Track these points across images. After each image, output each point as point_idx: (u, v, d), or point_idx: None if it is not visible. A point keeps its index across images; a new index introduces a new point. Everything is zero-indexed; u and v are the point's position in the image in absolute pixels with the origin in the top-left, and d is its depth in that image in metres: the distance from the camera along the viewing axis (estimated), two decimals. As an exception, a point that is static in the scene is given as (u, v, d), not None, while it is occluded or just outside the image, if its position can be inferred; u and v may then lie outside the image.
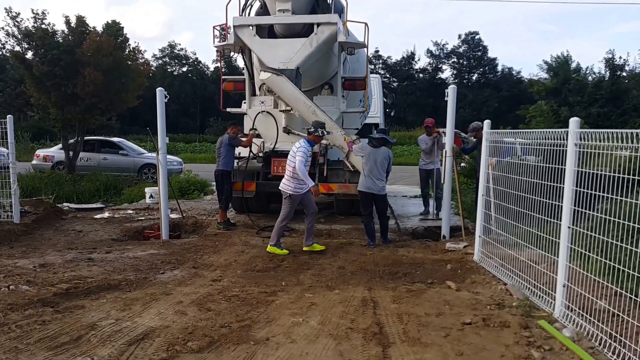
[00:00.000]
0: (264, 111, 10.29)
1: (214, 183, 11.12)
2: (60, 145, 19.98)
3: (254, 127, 10.59)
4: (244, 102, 10.77)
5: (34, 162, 21.18)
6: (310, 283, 6.94)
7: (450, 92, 9.11)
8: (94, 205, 13.77)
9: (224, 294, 6.36)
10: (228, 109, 11.34)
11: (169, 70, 68.00)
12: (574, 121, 5.34)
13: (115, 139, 22.50)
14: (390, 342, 4.90)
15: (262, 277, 7.21)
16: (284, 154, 10.46)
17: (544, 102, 18.06)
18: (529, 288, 6.17)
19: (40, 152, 21.74)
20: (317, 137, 8.73)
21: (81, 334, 5.02)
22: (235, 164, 10.58)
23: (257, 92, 10.61)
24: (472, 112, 56.16)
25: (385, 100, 15.64)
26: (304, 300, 6.13)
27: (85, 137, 20.24)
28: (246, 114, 10.83)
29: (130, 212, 12.77)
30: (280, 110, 10.13)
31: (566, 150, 5.38)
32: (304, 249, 8.73)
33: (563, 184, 5.41)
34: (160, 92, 9.68)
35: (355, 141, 9.59)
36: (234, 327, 5.27)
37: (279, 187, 8.82)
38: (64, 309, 5.67)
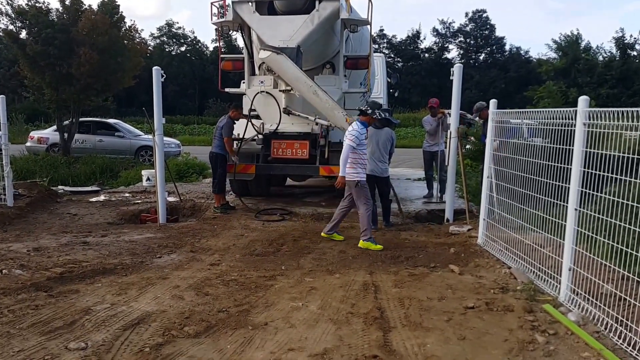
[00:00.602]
0: (264, 91, 10.22)
1: None
2: (55, 127, 19.92)
3: (253, 108, 10.54)
4: (243, 82, 10.69)
5: (28, 144, 21.16)
6: (311, 267, 6.95)
7: (456, 71, 9.04)
8: (89, 188, 13.77)
9: (222, 278, 6.37)
10: (226, 89, 11.26)
11: (166, 49, 67.85)
12: (582, 100, 5.30)
13: (111, 121, 22.45)
14: (391, 327, 4.91)
15: (261, 262, 7.22)
16: (285, 136, 10.44)
17: (553, 82, 17.93)
18: (534, 272, 6.17)
19: (35, 134, 21.70)
20: (373, 119, 8.35)
21: (75, 318, 5.03)
22: (235, 146, 10.54)
23: (257, 71, 10.55)
24: (479, 93, 55.99)
25: (389, 80, 15.55)
26: (304, 285, 6.14)
27: (81, 119, 20.19)
28: (245, 94, 10.76)
29: (127, 195, 12.78)
30: (280, 90, 10.06)
31: (574, 130, 5.35)
32: (322, 234, 8.57)
33: (571, 165, 5.39)
34: (156, 71, 9.62)
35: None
36: (232, 311, 5.28)
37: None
38: (58, 294, 5.68)
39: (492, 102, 7.78)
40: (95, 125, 21.46)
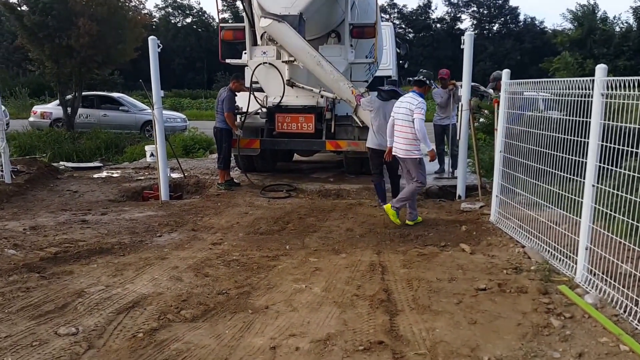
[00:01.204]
0: (266, 62, 9.94)
1: None
2: (58, 102, 19.74)
3: (255, 81, 10.28)
4: (245, 53, 10.40)
5: (31, 119, 20.99)
6: (316, 247, 6.77)
7: (467, 40, 8.74)
8: (91, 164, 13.63)
9: (223, 258, 6.21)
10: (227, 61, 10.98)
11: (172, 21, 67.21)
12: (600, 68, 5.04)
13: (115, 95, 22.23)
14: (399, 310, 4.73)
15: (265, 241, 7.05)
16: (289, 110, 10.20)
17: (569, 53, 17.52)
18: (549, 251, 5.97)
19: (38, 109, 21.48)
20: (429, 89, 8.07)
21: (67, 301, 4.89)
22: (238, 120, 10.31)
23: (259, 41, 10.25)
24: (493, 64, 55.21)
25: (399, 51, 15.17)
26: (308, 265, 5.96)
27: (84, 93, 20.03)
28: (247, 65, 10.48)
29: (130, 171, 12.62)
30: (283, 62, 9.77)
31: (591, 101, 5.10)
32: (385, 207, 7.97)
33: (588, 139, 5.15)
34: (152, 41, 9.38)
35: (364, 94, 9.26)
36: (232, 294, 5.12)
37: (395, 154, 7.92)
38: (51, 275, 5.53)
39: (505, 72, 7.50)
40: (99, 100, 21.30)
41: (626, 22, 44.77)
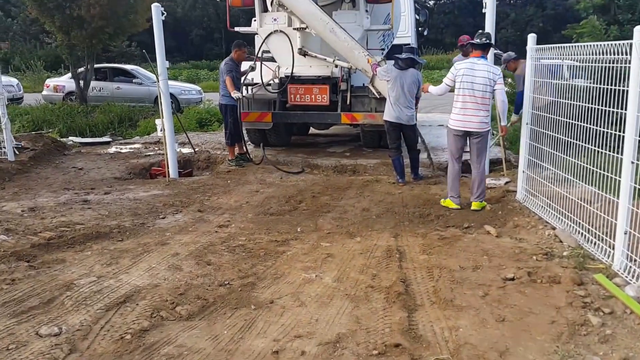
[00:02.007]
0: (277, 30, 9.35)
1: None
2: (70, 74, 19.38)
3: (267, 49, 9.70)
4: (254, 20, 9.80)
5: (44, 92, 20.72)
6: (329, 229, 6.29)
7: (489, 3, 8.10)
8: (100, 140, 13.21)
9: (228, 243, 5.76)
10: (236, 28, 10.38)
11: (189, -9, 66.23)
12: (639, 30, 4.44)
13: (128, 67, 21.77)
14: (418, 305, 4.26)
15: (275, 222, 6.58)
16: (302, 80, 9.64)
17: (595, 16, 16.57)
18: (582, 233, 5.43)
19: (50, 82, 21.13)
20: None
21: (54, 295, 4.47)
22: (247, 91, 9.76)
23: (269, 7, 9.66)
24: (515, 32, 53.87)
25: (417, 17, 14.46)
26: (320, 251, 5.49)
27: (97, 65, 19.66)
28: (257, 33, 9.89)
29: (139, 146, 12.18)
30: (294, 29, 9.18)
31: (629, 67, 4.52)
32: (473, 207, 6.95)
33: (625, 110, 4.59)
34: (156, 7, 8.82)
35: (380, 63, 8.67)
36: (235, 285, 4.67)
37: (465, 128, 6.89)
38: (41, 264, 5.11)
39: (531, 37, 6.87)
40: (112, 72, 20.91)
41: (653, -14, 43.23)
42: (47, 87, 20.84)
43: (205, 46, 60.88)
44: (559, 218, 5.87)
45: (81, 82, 18.46)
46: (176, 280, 4.76)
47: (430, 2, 64.97)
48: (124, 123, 16.75)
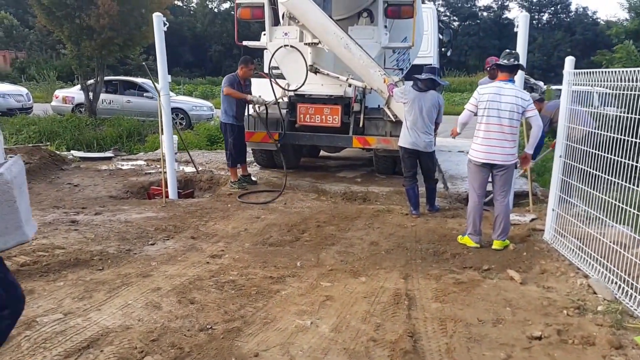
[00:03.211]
0: (287, 45, 8.84)
1: None
2: (80, 86, 19.13)
3: (275, 66, 9.19)
4: (264, 34, 9.29)
5: (53, 103, 20.55)
6: (332, 264, 5.72)
7: (521, 21, 7.50)
8: (101, 155, 12.78)
9: (217, 278, 5.21)
10: (245, 43, 9.89)
11: (209, 6, 66.64)
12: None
13: (139, 80, 21.47)
14: (427, 367, 3.67)
15: (273, 254, 6.02)
16: (313, 100, 9.12)
17: (630, 42, 15.98)
18: (618, 284, 4.82)
19: (59, 93, 20.86)
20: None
21: (12, 335, 3.92)
22: (254, 110, 9.25)
23: (281, 21, 9.18)
24: (542, 57, 53.40)
25: (441, 37, 13.97)
26: (318, 292, 4.92)
27: (107, 78, 19.42)
28: (266, 48, 9.39)
29: (141, 163, 11.72)
30: (306, 44, 8.67)
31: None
32: (494, 246, 6.34)
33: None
34: (157, 18, 8.35)
35: (398, 83, 8.12)
36: (217, 331, 4.11)
37: (489, 161, 6.23)
38: (3, 296, 4.59)
39: (569, 60, 6.29)
40: (122, 85, 20.63)
41: (687, 11, 42.54)
42: (56, 98, 20.62)
43: (224, 62, 61.04)
44: (592, 264, 5.27)
45: (90, 94, 18.16)
46: (151, 322, 4.22)
47: (454, 24, 64.71)
48: (133, 138, 16.44)
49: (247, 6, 9.21)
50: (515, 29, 9.66)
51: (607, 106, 5.74)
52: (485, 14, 66.77)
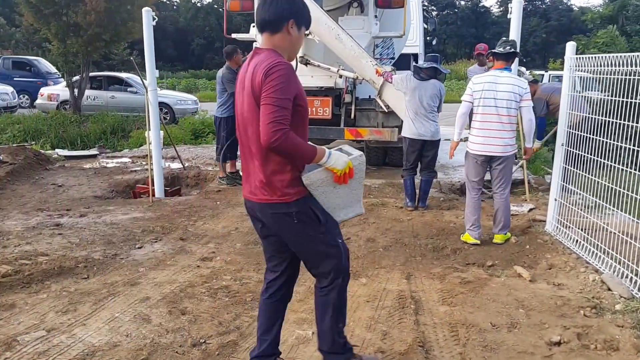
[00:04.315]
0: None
1: None
2: (65, 83, 18.54)
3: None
4: (253, 26, 8.82)
5: (38, 101, 19.88)
6: (329, 264, 5.30)
7: (515, 7, 7.12)
8: (86, 153, 12.23)
9: (210, 283, 4.79)
10: (233, 35, 9.39)
11: (192, 1, 65.70)
12: None
13: (123, 75, 20.86)
14: (442, 381, 3.28)
15: (266, 254, 5.60)
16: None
17: (614, 27, 15.65)
18: (632, 279, 4.47)
19: (45, 91, 20.18)
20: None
21: (-10, 358, 3.50)
22: None
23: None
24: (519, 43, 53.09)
25: (426, 26, 13.53)
26: (318, 297, 4.50)
27: (92, 74, 18.84)
28: (255, 40, 8.91)
29: (127, 160, 11.21)
30: None
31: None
32: (495, 240, 5.98)
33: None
34: (146, 12, 7.91)
35: (392, 72, 7.69)
36: (212, 346, 3.70)
37: (486, 152, 5.84)
38: (-18, 312, 4.15)
39: (570, 45, 5.89)
40: (107, 81, 20.01)
41: (661, -4, 42.50)
42: (42, 95, 19.94)
43: (206, 55, 60.34)
44: (602, 258, 4.91)
45: (75, 91, 17.59)
46: (140, 338, 3.79)
47: (432, 13, 64.40)
48: (117, 134, 15.95)
49: None
50: (508, 16, 9.60)
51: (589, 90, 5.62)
52: (462, 2, 66.46)
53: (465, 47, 59.03)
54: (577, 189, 5.54)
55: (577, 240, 5.40)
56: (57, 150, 12.55)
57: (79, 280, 4.89)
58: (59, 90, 19.66)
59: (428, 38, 13.76)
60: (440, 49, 53.67)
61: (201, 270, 5.15)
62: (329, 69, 8.30)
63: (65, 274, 5.02)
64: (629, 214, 4.75)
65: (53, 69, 24.76)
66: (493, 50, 5.94)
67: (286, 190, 2.85)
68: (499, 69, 5.79)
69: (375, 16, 8.65)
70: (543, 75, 17.93)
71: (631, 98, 4.63)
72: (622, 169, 4.76)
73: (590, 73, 5.41)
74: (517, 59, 6.37)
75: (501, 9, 62.14)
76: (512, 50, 5.79)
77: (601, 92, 5.48)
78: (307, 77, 8.50)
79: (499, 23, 61.92)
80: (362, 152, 3.04)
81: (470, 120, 6.05)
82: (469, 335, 3.78)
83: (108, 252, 5.63)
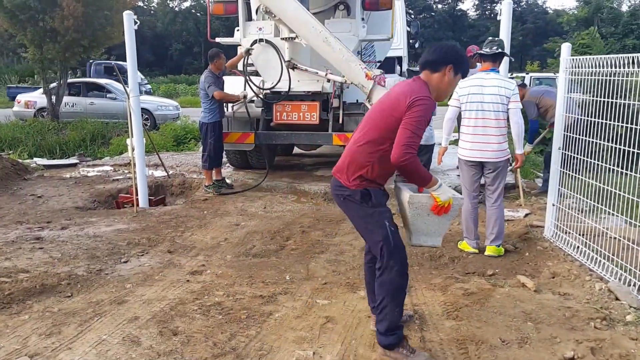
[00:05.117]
0: (262, 40, 8.13)
1: None
2: (42, 90, 18.09)
3: (250, 63, 8.47)
4: (237, 30, 8.57)
5: (15, 108, 19.39)
6: (324, 276, 5.09)
7: (505, 9, 6.95)
8: (66, 161, 11.85)
9: (201, 300, 4.53)
10: (217, 39, 9.12)
11: (170, 5, 65.24)
12: None
13: (102, 81, 20.46)
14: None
15: (259, 267, 5.36)
16: (290, 97, 8.44)
17: (594, 28, 15.64)
18: (639, 286, 4.31)
19: (22, 98, 19.69)
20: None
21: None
22: (230, 110, 8.57)
23: (254, 16, 8.47)
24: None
25: (409, 29, 13.40)
26: (316, 313, 4.27)
27: (70, 80, 18.44)
28: (240, 44, 8.66)
29: (108, 168, 10.87)
30: (282, 39, 7.96)
31: None
32: (487, 252, 5.64)
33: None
34: (128, 16, 7.60)
35: (383, 75, 7.48)
36: (207, 370, 3.44)
37: (476, 158, 5.60)
38: (-42, 339, 3.85)
39: (565, 46, 5.73)
40: (85, 87, 19.61)
41: (635, 0, 42.99)
42: (18, 102, 19.48)
43: (185, 60, 59.88)
44: (606, 265, 4.74)
45: (53, 98, 17.17)
46: (130, 363, 3.53)
47: (410, 16, 64.65)
48: (97, 141, 15.48)
49: (220, 1, 8.49)
50: (498, 17, 9.66)
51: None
52: (440, 6, 66.71)
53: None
54: (574, 192, 5.38)
55: (577, 247, 5.23)
56: (35, 159, 12.17)
57: (62, 299, 4.60)
58: (37, 97, 19.19)
59: (411, 41, 13.59)
60: (419, 53, 53.88)
61: (191, 285, 4.89)
62: (317, 73, 8.08)
63: (48, 292, 4.73)
64: (629, 217, 4.59)
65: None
66: (479, 51, 5.75)
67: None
68: (485, 71, 5.59)
69: (363, 19, 8.46)
70: (524, 77, 17.91)
71: (632, 99, 4.49)
72: (621, 172, 4.62)
73: (587, 75, 5.24)
74: (507, 60, 6.22)
75: (477, 12, 62.45)
76: (499, 50, 5.59)
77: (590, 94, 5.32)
78: (294, 82, 8.28)
79: (475, 26, 62.33)
80: (463, 197, 3.14)
81: (459, 124, 5.87)
82: (479, 353, 3.57)
83: (92, 268, 5.34)
